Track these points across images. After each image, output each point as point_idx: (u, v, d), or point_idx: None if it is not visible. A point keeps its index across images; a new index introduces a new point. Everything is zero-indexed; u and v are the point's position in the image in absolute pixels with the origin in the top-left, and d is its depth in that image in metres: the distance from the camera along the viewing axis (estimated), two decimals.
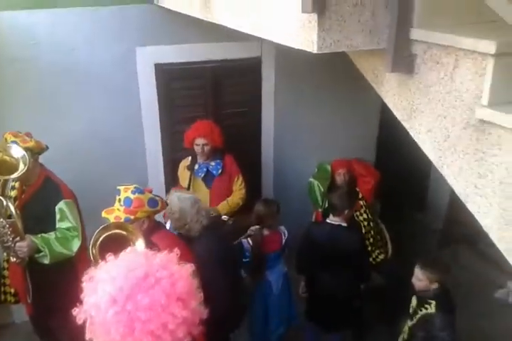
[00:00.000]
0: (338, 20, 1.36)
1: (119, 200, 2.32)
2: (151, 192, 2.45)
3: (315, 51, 1.38)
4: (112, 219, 2.25)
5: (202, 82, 3.81)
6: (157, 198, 2.43)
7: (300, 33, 1.44)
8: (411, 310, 2.63)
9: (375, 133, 4.39)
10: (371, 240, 3.69)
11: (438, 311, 2.44)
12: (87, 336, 1.20)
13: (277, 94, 3.99)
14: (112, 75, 3.51)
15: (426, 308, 2.49)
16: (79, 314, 1.20)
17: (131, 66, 3.57)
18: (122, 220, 2.24)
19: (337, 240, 2.90)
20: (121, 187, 2.35)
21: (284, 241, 3.06)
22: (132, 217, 2.27)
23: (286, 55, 3.59)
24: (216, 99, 3.87)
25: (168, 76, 3.69)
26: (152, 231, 2.38)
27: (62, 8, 3.26)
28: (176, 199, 2.56)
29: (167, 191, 3.70)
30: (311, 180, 3.84)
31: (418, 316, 2.53)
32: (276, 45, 3.66)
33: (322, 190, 3.73)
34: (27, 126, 2.91)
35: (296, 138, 4.13)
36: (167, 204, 2.52)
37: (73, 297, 2.67)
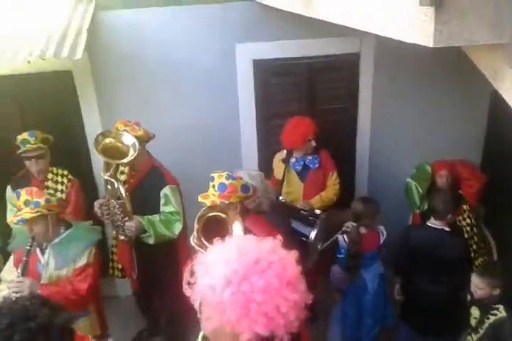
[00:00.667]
0: (458, 13, 1.34)
1: (213, 186, 2.44)
2: (241, 179, 2.56)
3: (431, 45, 1.37)
4: (208, 203, 2.39)
5: (299, 77, 3.89)
6: (248, 184, 2.55)
7: (415, 26, 1.44)
8: (474, 323, 2.57)
9: (482, 132, 4.15)
10: (474, 247, 3.51)
11: (509, 312, 2.42)
12: (200, 316, 1.26)
13: (375, 91, 3.93)
14: (212, 71, 3.71)
15: (494, 314, 2.46)
16: (192, 295, 1.26)
17: (231, 62, 3.74)
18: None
19: (439, 245, 2.84)
20: (215, 174, 2.48)
21: (381, 241, 3.05)
22: (226, 202, 2.38)
23: (386, 50, 3.54)
24: (312, 94, 3.93)
25: (265, 72, 3.82)
26: (244, 215, 2.48)
27: (167, 7, 3.49)
28: (246, 176, 2.69)
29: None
30: (409, 180, 3.74)
31: (486, 326, 2.49)
32: (376, 41, 3.65)
33: (421, 191, 3.63)
34: (133, 118, 3.19)
35: (393, 136, 4.04)
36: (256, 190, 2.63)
37: (174, 276, 2.95)
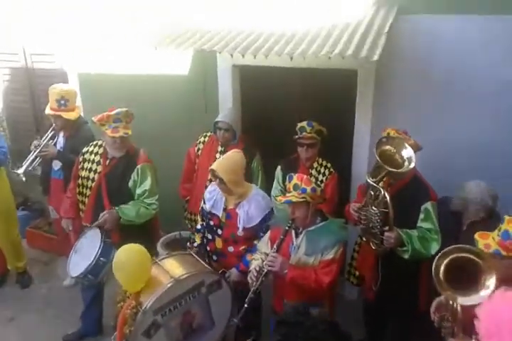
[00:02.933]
0: None
1: (499, 229, 2.19)
2: None
3: None
4: (481, 245, 2.18)
5: None
6: None
7: None
8: None
9: None
10: None
11: None
12: None
13: None
14: (503, 88, 3.39)
15: None
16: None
17: None
18: (491, 251, 2.14)
19: None
20: (507, 217, 2.22)
21: None
22: (505, 253, 2.13)
23: None
24: None
25: None
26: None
27: (466, 15, 3.32)
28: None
29: None
30: None
31: None
32: None
33: None
34: (403, 125, 3.18)
35: None
36: None
37: (413, 295, 2.82)
